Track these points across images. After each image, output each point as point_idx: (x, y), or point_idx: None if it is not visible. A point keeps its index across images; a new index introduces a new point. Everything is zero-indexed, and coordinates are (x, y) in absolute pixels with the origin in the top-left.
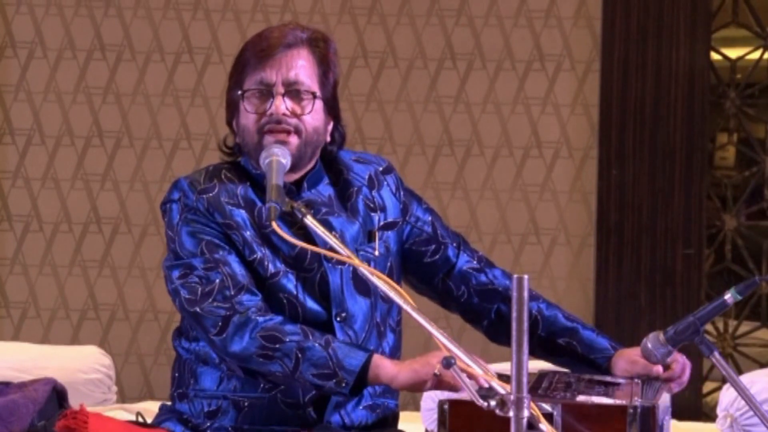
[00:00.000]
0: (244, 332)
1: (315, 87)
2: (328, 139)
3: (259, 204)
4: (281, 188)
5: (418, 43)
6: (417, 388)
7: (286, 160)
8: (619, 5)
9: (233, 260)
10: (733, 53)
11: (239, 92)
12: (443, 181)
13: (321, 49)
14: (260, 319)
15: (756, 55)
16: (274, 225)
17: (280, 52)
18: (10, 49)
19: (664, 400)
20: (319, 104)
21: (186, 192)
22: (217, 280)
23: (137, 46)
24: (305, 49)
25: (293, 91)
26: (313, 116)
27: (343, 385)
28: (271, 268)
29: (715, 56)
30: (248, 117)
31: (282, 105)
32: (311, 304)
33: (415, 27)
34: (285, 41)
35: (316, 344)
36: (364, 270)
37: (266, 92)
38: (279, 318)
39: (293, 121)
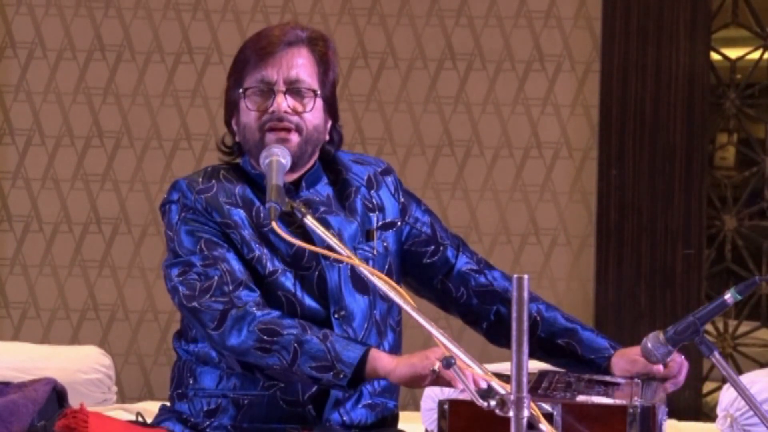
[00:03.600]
0: (242, 326)
1: (315, 85)
2: (327, 138)
3: (258, 203)
4: (281, 188)
5: (418, 44)
6: (415, 383)
7: (286, 160)
8: (619, 5)
9: (232, 257)
10: (733, 53)
11: (240, 90)
12: (443, 182)
13: (321, 48)
14: (258, 313)
15: (756, 55)
16: (274, 225)
17: (281, 50)
18: (10, 50)
19: (661, 399)
20: (319, 102)
21: (184, 192)
22: (216, 277)
23: (137, 47)
24: (305, 48)
25: (294, 89)
26: (314, 114)
27: (341, 377)
28: (269, 267)
29: (715, 56)
30: (249, 115)
31: (284, 103)
32: (309, 302)
33: (415, 27)
34: (285, 39)
35: (314, 337)
36: (364, 270)
37: (267, 90)
38: (277, 312)
39: (294, 118)
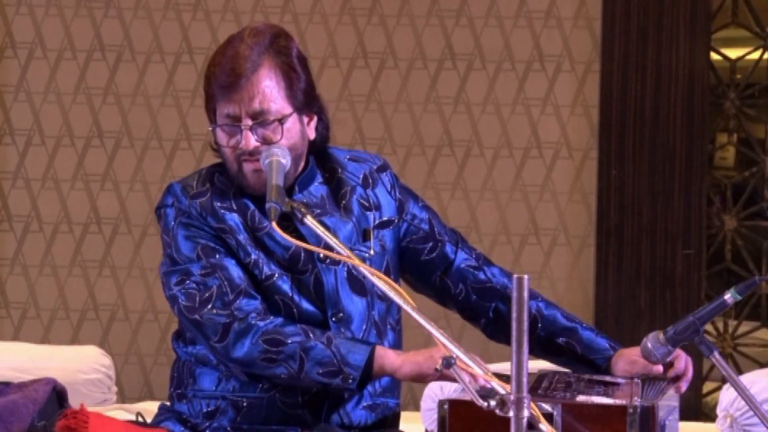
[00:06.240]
0: (245, 338)
1: (284, 107)
2: (312, 136)
3: (252, 207)
4: (281, 188)
5: (418, 44)
6: (420, 380)
7: (286, 160)
8: (619, 5)
9: (230, 263)
10: (732, 53)
11: (212, 126)
12: (443, 182)
13: (284, 56)
14: (260, 323)
15: (756, 55)
16: (274, 225)
17: (244, 79)
18: (10, 50)
19: (670, 399)
20: (291, 121)
21: (179, 197)
22: (215, 286)
23: (137, 47)
24: (267, 62)
25: (261, 121)
26: (286, 137)
27: (350, 381)
28: (266, 271)
29: (715, 56)
30: (224, 148)
31: (252, 138)
32: (306, 305)
33: (415, 27)
34: (246, 67)
35: (319, 343)
36: (364, 269)
37: (235, 125)
38: (279, 320)
39: (266, 147)
